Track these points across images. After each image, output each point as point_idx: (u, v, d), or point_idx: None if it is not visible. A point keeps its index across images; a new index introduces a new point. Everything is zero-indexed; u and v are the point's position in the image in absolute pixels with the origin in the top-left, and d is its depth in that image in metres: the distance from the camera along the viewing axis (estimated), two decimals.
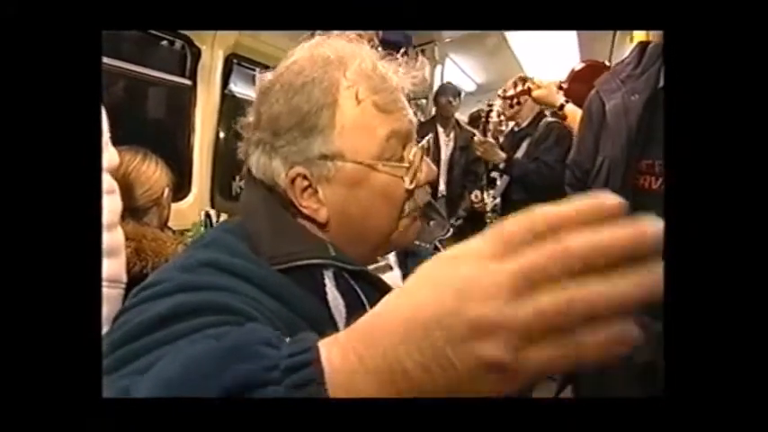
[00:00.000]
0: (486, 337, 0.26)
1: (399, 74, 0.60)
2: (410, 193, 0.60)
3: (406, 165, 0.59)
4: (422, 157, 0.61)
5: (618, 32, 2.71)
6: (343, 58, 0.58)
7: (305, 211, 0.59)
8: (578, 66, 2.01)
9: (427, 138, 0.64)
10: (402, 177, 0.59)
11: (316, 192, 0.59)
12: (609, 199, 0.26)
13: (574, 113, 1.76)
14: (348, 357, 0.30)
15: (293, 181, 0.58)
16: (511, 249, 0.27)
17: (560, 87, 1.91)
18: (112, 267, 0.92)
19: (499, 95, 2.25)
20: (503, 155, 2.27)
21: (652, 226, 0.25)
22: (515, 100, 2.21)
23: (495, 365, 0.26)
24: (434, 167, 0.64)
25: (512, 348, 0.25)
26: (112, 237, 0.94)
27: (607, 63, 1.95)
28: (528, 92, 1.96)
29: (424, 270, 0.30)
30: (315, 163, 0.57)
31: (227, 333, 0.39)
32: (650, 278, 0.24)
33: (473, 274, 0.27)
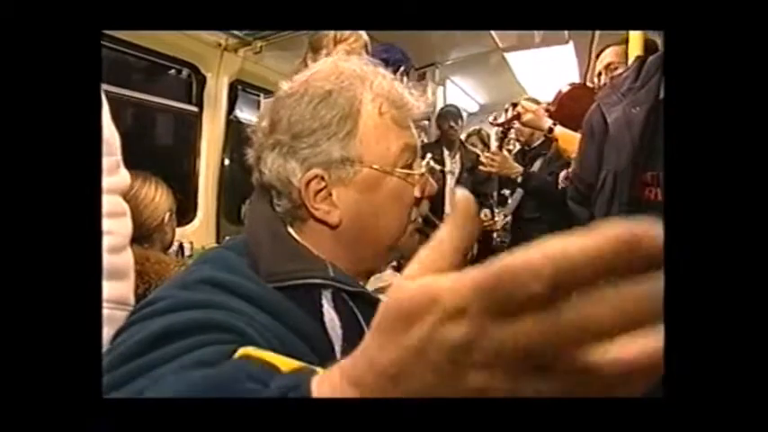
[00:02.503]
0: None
1: (414, 96, 0.65)
2: (417, 201, 0.65)
3: (418, 173, 0.64)
4: (429, 171, 0.67)
5: (593, 52, 2.77)
6: (365, 74, 0.63)
7: (316, 213, 0.61)
8: (565, 88, 2.03)
9: (429, 156, 0.70)
10: (413, 184, 0.63)
11: (330, 194, 0.61)
12: (643, 232, 0.19)
13: (564, 135, 1.77)
14: (336, 397, 0.28)
15: (308, 183, 0.60)
16: (511, 310, 0.22)
17: (548, 110, 1.94)
18: (120, 290, 0.90)
19: (491, 123, 2.27)
20: (519, 168, 2.24)
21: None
22: (507, 126, 2.22)
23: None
24: (435, 184, 0.69)
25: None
26: (121, 258, 0.91)
27: (590, 84, 1.96)
28: (517, 117, 1.99)
29: (407, 314, 0.25)
30: (334, 166, 0.60)
31: (218, 363, 0.38)
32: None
33: (467, 339, 0.22)
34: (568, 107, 1.88)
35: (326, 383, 0.29)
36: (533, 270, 0.21)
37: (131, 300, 0.93)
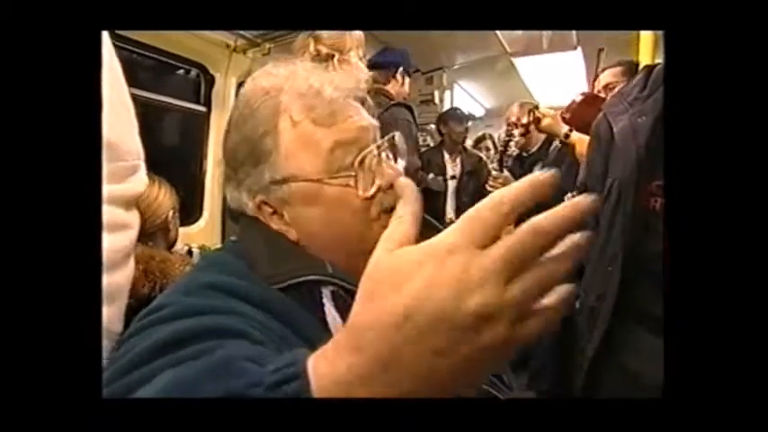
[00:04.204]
0: (488, 323, 0.28)
1: (335, 84, 0.59)
2: (370, 199, 0.59)
3: (352, 173, 0.58)
4: (379, 161, 0.60)
5: (602, 58, 2.76)
6: (278, 84, 0.60)
7: (279, 231, 0.61)
8: (578, 97, 2.05)
9: (385, 138, 0.62)
10: (352, 186, 0.58)
11: (282, 215, 0.61)
12: (541, 176, 0.29)
13: (581, 141, 1.77)
14: (336, 367, 0.29)
15: (259, 208, 0.61)
16: (489, 237, 0.29)
17: (562, 118, 1.94)
18: (107, 314, 0.73)
19: (512, 122, 2.27)
20: None
21: (585, 200, 0.28)
22: (526, 129, 2.23)
23: (499, 345, 0.28)
24: (399, 169, 0.62)
25: (510, 327, 0.28)
26: (112, 279, 0.74)
27: (602, 95, 1.97)
28: (537, 121, 2.00)
29: (406, 268, 0.29)
30: (270, 189, 0.59)
31: (211, 351, 0.39)
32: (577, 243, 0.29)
33: (462, 266, 0.28)
34: (582, 115, 1.88)
35: (322, 358, 0.31)
36: (494, 201, 0.30)
37: (118, 327, 0.77)
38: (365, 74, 0.64)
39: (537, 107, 2.07)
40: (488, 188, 2.30)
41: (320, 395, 0.29)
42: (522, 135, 2.32)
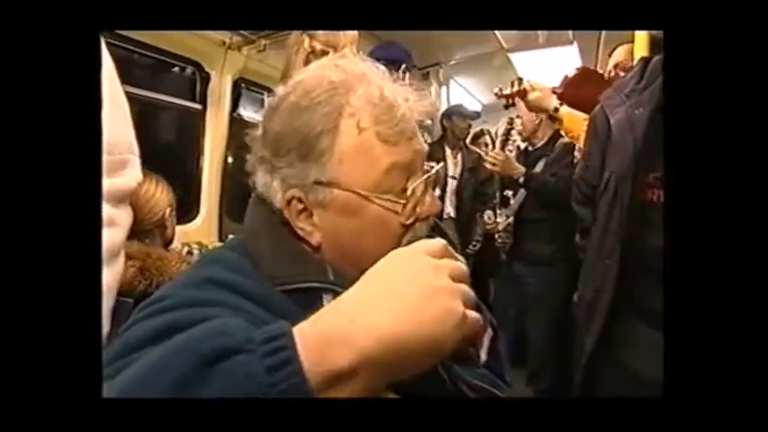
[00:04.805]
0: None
1: (409, 102, 0.57)
2: (408, 226, 0.58)
3: (403, 201, 0.57)
4: (424, 190, 0.60)
5: (600, 50, 2.73)
6: (349, 83, 0.56)
7: (300, 232, 0.59)
8: (571, 72, 1.99)
9: (437, 167, 0.62)
10: (397, 212, 0.57)
11: (311, 215, 0.58)
12: None
13: (569, 115, 1.74)
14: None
15: (289, 202, 0.58)
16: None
17: (554, 92, 1.89)
18: None
19: (495, 94, 2.16)
20: (522, 168, 2.22)
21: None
22: (510, 100, 2.07)
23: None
24: (438, 202, 0.62)
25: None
26: None
27: (600, 70, 1.93)
28: (523, 93, 1.89)
29: None
30: (310, 188, 0.56)
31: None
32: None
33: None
34: (575, 90, 1.84)
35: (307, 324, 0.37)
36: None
37: (105, 327, 0.69)
38: (436, 102, 0.63)
39: (521, 79, 1.98)
40: (487, 159, 2.28)
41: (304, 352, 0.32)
42: (506, 107, 2.18)
